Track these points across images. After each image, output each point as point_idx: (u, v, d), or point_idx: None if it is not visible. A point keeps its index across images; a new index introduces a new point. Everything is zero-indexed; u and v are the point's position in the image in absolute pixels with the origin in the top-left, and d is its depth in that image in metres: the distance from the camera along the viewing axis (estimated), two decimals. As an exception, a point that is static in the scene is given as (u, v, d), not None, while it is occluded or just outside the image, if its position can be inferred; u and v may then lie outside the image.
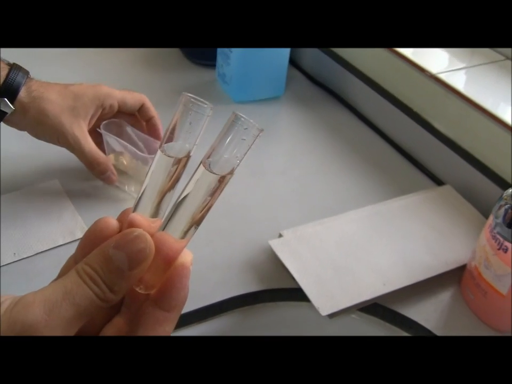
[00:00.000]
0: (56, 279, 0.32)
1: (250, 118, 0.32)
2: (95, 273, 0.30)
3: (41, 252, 0.64)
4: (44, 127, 0.67)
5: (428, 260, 0.66)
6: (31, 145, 0.79)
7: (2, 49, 0.95)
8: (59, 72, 0.96)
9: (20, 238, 0.65)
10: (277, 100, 0.95)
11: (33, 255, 0.64)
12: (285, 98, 0.96)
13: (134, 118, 0.75)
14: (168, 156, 0.33)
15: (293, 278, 0.62)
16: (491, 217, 0.59)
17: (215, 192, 0.32)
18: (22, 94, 0.65)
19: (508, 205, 0.37)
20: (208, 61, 1.00)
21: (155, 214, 0.34)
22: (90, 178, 0.75)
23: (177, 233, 0.33)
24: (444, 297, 0.65)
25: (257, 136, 0.32)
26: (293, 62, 1.04)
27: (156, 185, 0.33)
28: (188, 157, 0.33)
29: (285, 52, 0.92)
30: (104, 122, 0.72)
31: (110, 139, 0.72)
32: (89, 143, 0.69)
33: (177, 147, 0.33)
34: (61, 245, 0.65)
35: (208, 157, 0.32)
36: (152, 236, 0.32)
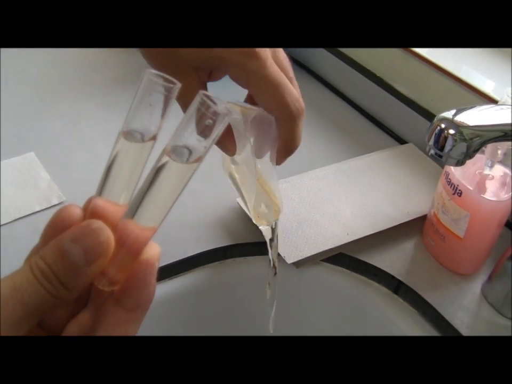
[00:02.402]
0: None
1: (221, 89, 0.30)
2: (49, 268, 0.28)
3: (19, 218, 0.67)
4: None
5: (391, 211, 0.69)
6: (6, 118, 0.81)
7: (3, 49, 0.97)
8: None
9: (-2, 206, 0.68)
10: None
11: (11, 222, 0.66)
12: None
13: None
14: (130, 142, 0.30)
15: (261, 233, 0.65)
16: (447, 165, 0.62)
17: (180, 181, 0.30)
18: None
19: (438, 128, 0.40)
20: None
21: (121, 198, 0.32)
22: (65, 150, 0.77)
23: (143, 221, 0.30)
24: (407, 245, 0.68)
25: (225, 120, 0.29)
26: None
27: (120, 170, 0.31)
28: (153, 140, 0.31)
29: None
30: None
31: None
32: None
33: (141, 130, 0.30)
34: (38, 211, 0.67)
35: (171, 144, 0.29)
36: (116, 224, 0.30)
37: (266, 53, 0.44)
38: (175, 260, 0.63)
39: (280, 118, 0.44)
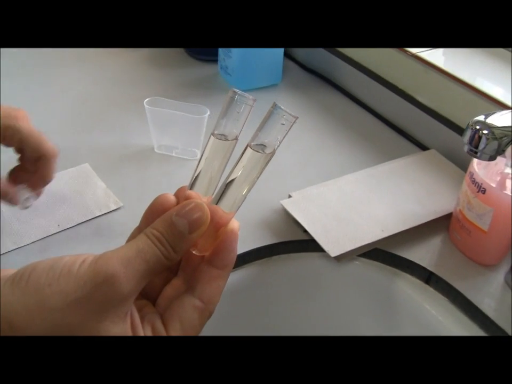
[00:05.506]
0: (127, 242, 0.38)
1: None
2: (162, 235, 0.36)
3: (82, 222, 0.72)
4: None
5: (419, 210, 0.75)
6: (63, 132, 0.88)
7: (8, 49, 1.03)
8: (69, 73, 1.05)
9: (61, 212, 0.74)
10: (275, 87, 1.05)
11: (75, 226, 0.72)
12: (282, 86, 1.06)
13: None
14: (221, 140, 0.39)
15: (303, 231, 0.71)
16: (470, 166, 0.68)
17: (259, 170, 0.39)
18: None
19: (473, 129, 0.47)
20: (209, 56, 1.11)
21: (207, 191, 0.40)
22: (118, 161, 0.84)
23: (226, 207, 0.39)
24: (435, 241, 0.74)
25: (294, 122, 0.38)
26: (287, 54, 1.14)
27: (209, 166, 0.40)
28: (235, 140, 0.40)
29: (280, 44, 1.01)
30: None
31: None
32: None
33: (227, 132, 0.39)
34: (98, 216, 0.73)
35: (254, 141, 0.38)
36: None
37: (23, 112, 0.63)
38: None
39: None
